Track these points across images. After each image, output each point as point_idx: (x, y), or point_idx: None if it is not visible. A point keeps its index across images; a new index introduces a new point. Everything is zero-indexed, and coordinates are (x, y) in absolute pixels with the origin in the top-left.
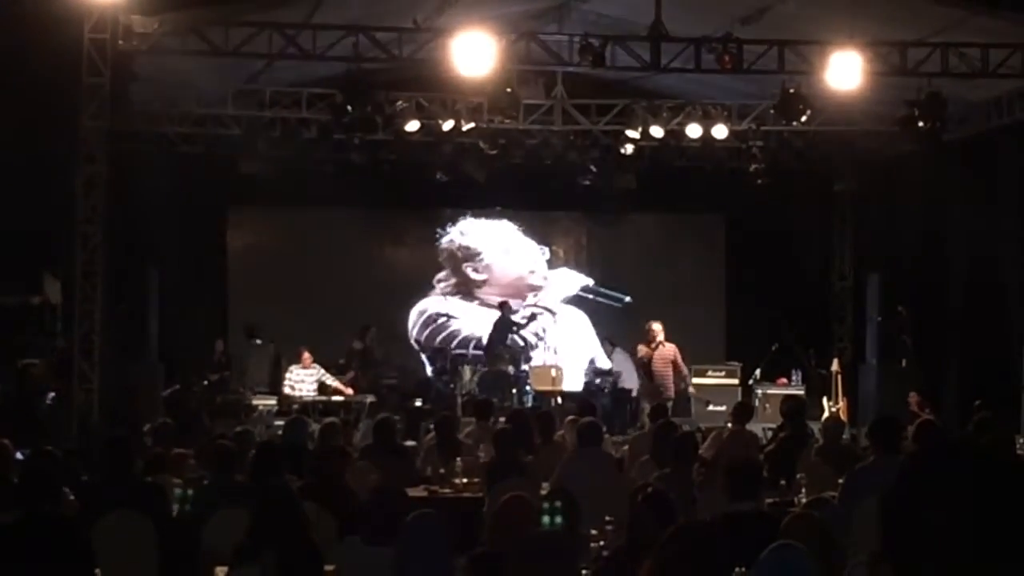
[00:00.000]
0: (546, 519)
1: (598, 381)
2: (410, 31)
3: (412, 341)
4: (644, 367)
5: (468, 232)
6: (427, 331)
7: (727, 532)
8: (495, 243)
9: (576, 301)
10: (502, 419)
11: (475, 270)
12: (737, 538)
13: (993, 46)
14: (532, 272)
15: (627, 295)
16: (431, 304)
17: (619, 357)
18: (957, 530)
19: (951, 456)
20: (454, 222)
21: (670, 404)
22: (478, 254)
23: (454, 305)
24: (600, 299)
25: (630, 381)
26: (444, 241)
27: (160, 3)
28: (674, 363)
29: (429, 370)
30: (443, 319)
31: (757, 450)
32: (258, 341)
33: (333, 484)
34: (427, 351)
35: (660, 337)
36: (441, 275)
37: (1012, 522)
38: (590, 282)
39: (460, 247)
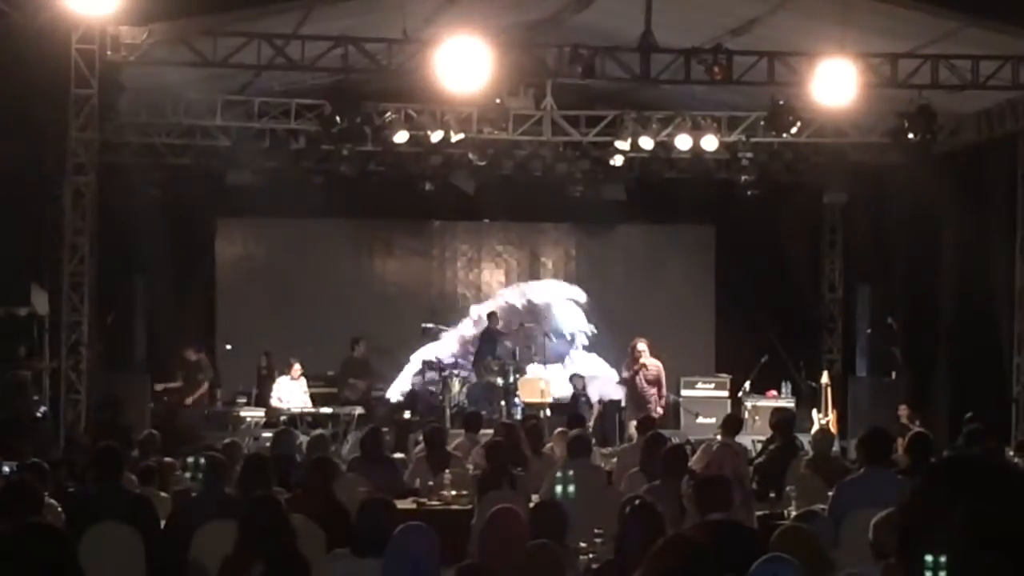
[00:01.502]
0: (559, 488)
1: (583, 398)
2: (399, 42)
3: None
4: (628, 386)
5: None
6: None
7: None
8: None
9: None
10: (490, 431)
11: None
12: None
13: (983, 58)
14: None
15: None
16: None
17: (592, 384)
18: (971, 540)
19: (966, 470)
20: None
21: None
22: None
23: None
24: None
25: (614, 396)
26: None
27: (148, 14)
28: (657, 382)
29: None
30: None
31: (746, 463)
32: (228, 346)
33: (321, 496)
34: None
35: (643, 359)
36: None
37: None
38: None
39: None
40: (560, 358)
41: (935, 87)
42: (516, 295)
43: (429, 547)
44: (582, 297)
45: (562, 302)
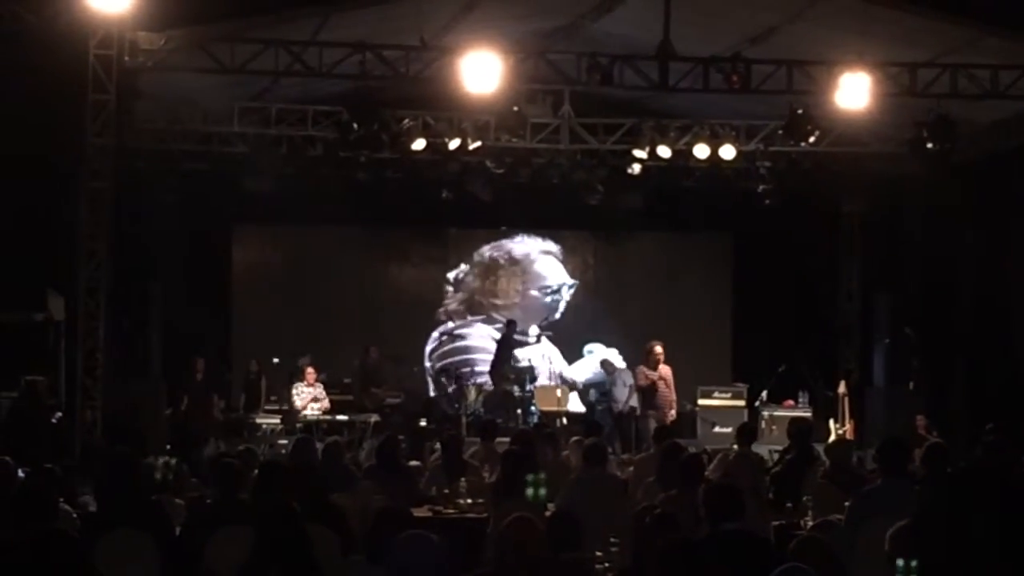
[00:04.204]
0: (530, 491)
1: (599, 406)
2: (417, 49)
3: (427, 364)
4: (648, 390)
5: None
6: (438, 352)
7: (713, 552)
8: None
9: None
10: (506, 439)
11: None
12: (723, 558)
13: (1002, 67)
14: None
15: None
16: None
17: (619, 377)
18: (987, 547)
19: (981, 481)
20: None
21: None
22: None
23: (468, 326)
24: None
25: (620, 401)
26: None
27: (166, 19)
28: (671, 385)
29: (432, 390)
30: (455, 339)
31: (763, 472)
32: (275, 360)
33: (335, 503)
34: (436, 373)
35: (662, 362)
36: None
37: None
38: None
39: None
40: (550, 311)
41: (954, 97)
42: (496, 252)
43: (428, 556)
44: (555, 247)
45: (540, 255)
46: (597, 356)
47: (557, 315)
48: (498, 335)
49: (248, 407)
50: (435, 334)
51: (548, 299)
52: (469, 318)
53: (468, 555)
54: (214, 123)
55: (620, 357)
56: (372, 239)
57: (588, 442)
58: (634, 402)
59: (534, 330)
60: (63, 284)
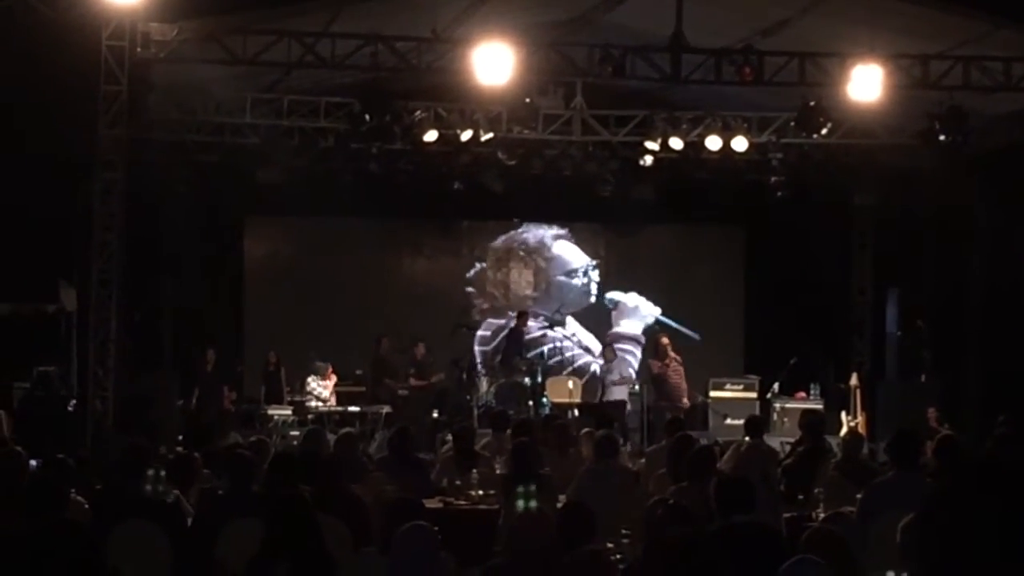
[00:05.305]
0: (520, 503)
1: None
2: (429, 41)
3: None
4: (659, 382)
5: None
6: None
7: (724, 544)
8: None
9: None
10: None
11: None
12: (734, 550)
13: (1015, 59)
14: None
15: (697, 332)
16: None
17: (615, 367)
18: (990, 545)
19: (995, 474)
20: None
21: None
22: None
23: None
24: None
25: (619, 392)
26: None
27: (178, 11)
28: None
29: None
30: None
31: (775, 464)
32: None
33: (346, 494)
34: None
35: (671, 352)
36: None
37: None
38: (658, 311)
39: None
40: (582, 295)
41: (966, 88)
42: (510, 243)
43: (425, 548)
44: (564, 231)
45: (553, 240)
46: (630, 305)
47: (592, 299)
48: (546, 324)
49: (268, 399)
50: (483, 333)
51: (576, 282)
52: (510, 315)
53: (479, 546)
54: (226, 114)
55: (643, 300)
56: (384, 230)
57: (599, 434)
58: (624, 395)
59: (570, 321)
60: (75, 275)
